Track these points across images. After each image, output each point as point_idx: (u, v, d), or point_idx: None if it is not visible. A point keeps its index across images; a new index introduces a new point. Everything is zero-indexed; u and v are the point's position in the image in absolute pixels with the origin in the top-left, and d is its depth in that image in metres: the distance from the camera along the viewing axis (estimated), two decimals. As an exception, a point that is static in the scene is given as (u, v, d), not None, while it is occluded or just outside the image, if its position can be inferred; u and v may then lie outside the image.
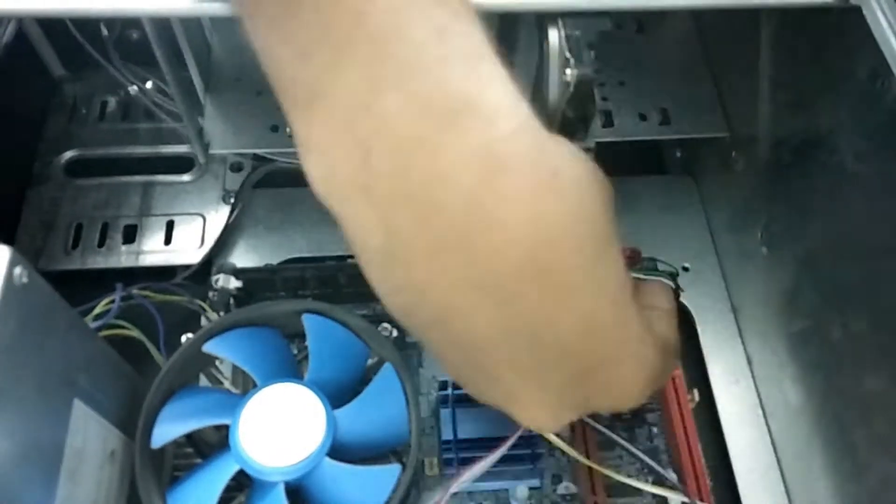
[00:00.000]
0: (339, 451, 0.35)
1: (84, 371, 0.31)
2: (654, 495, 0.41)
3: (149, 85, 0.53)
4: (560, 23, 0.32)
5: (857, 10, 0.33)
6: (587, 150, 0.38)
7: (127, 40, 0.52)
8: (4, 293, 0.24)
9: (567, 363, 0.23)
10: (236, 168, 0.52)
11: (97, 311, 0.38)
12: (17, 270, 0.25)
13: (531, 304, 0.21)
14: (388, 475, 0.34)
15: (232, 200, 0.51)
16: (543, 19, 0.33)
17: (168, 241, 0.50)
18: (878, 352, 0.35)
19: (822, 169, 0.38)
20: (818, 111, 0.38)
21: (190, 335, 0.37)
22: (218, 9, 0.30)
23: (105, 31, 0.51)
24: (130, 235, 0.50)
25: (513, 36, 0.39)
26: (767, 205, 0.45)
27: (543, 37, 0.33)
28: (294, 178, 0.51)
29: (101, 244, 0.49)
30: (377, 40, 0.19)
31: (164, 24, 0.42)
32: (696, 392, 0.45)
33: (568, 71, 0.31)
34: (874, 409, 0.35)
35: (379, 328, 0.39)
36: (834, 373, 0.38)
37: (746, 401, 0.46)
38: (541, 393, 0.24)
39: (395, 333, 0.40)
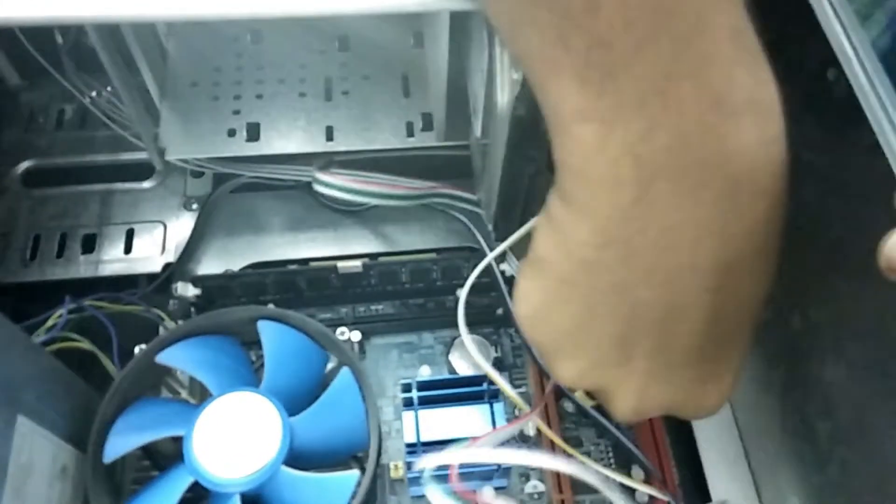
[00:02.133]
0: (297, 458, 0.34)
1: (28, 387, 0.30)
2: (623, 487, 0.41)
3: (106, 92, 0.53)
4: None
5: (806, 2, 0.33)
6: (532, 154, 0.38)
7: (83, 47, 0.52)
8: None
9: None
10: (197, 174, 0.52)
11: (49, 323, 0.37)
12: (-54, 288, 0.25)
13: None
14: (346, 482, 0.34)
15: (194, 206, 0.51)
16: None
17: (128, 249, 0.49)
18: (835, 343, 0.35)
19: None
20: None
21: (143, 346, 0.37)
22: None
23: (59, 39, 0.51)
24: (90, 245, 0.49)
25: (465, 36, 0.38)
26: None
27: (492, 35, 0.32)
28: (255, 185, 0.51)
29: (59, 255, 0.49)
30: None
31: (112, 30, 0.41)
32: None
33: (516, 69, 0.31)
34: (835, 399, 0.35)
35: (337, 332, 0.38)
36: (795, 364, 0.38)
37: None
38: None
39: (355, 338, 0.40)
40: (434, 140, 0.47)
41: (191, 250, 0.49)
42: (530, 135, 0.34)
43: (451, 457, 0.34)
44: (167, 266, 0.48)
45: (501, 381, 0.38)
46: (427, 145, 0.46)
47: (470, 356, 0.46)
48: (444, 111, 0.44)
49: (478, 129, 0.41)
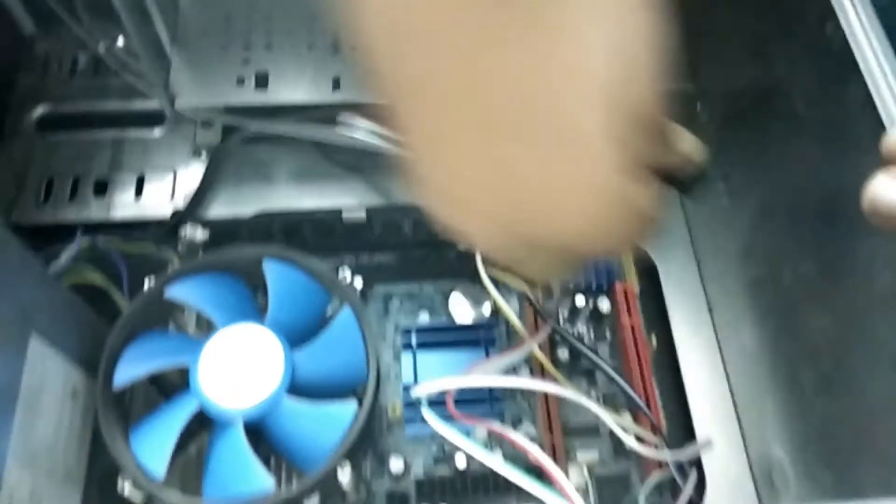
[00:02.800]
0: (297, 390, 0.36)
1: (41, 310, 0.31)
2: (612, 435, 0.42)
3: (120, 41, 0.54)
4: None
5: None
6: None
7: (96, -5, 0.52)
8: (-49, 226, 0.25)
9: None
10: (207, 123, 0.53)
11: (63, 259, 0.39)
12: (-35, 205, 0.26)
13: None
14: (344, 412, 0.35)
15: (203, 155, 0.52)
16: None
17: (139, 194, 0.50)
18: (823, 294, 0.35)
19: (776, 117, 0.39)
20: (773, 58, 0.39)
21: (153, 279, 0.38)
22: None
23: (74, -13, 0.51)
24: (101, 189, 0.50)
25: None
26: (729, 156, 0.45)
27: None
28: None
29: (72, 198, 0.50)
30: None
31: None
32: (654, 337, 0.46)
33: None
34: (820, 349, 0.36)
35: (339, 274, 0.39)
36: (785, 317, 0.39)
37: (705, 347, 0.46)
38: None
39: (357, 284, 0.41)
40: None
41: (200, 196, 0.50)
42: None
43: (448, 383, 0.35)
44: (176, 212, 0.49)
45: (506, 308, 0.39)
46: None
47: (467, 306, 0.47)
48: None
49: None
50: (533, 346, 0.41)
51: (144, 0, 0.44)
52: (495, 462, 0.35)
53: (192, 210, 0.49)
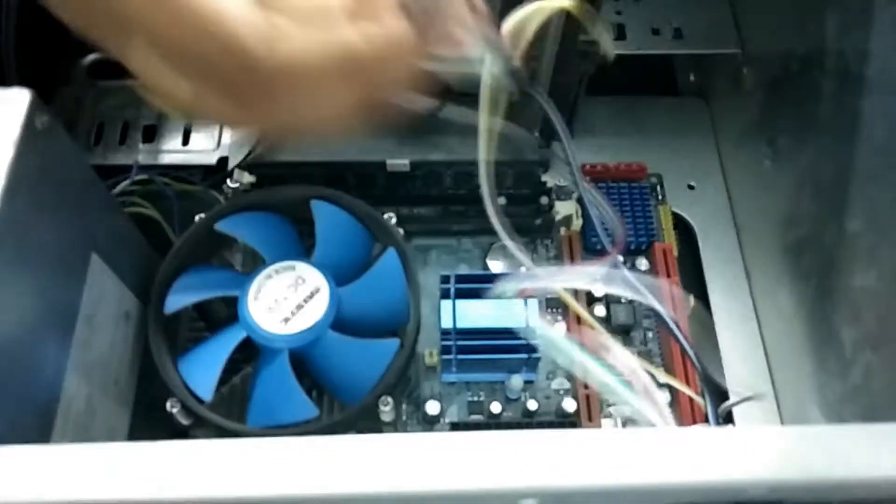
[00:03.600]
0: (341, 326, 0.36)
1: (102, 230, 0.32)
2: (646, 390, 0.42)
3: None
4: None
5: None
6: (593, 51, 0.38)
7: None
8: (25, 132, 0.26)
9: None
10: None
11: (116, 191, 0.40)
12: (39, 116, 0.27)
13: None
14: (386, 348, 0.36)
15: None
16: None
17: (186, 142, 0.51)
18: (868, 250, 0.35)
19: (828, 75, 0.39)
20: (825, 17, 0.38)
21: (203, 215, 0.39)
22: None
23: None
24: (150, 135, 0.51)
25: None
26: (774, 119, 0.45)
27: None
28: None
29: (121, 142, 0.51)
30: None
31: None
32: (692, 298, 0.46)
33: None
34: (862, 306, 0.36)
35: (384, 216, 0.40)
36: (826, 277, 0.39)
37: (742, 313, 0.47)
38: None
39: (401, 230, 0.42)
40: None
41: (241, 145, 0.51)
42: (585, 28, 0.35)
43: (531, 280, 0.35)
44: (222, 160, 0.50)
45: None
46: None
47: (507, 260, 0.47)
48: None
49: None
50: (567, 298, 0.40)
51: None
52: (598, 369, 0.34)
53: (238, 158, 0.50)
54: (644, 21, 0.49)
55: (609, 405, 0.43)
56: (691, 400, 0.42)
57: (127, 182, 0.39)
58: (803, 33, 0.41)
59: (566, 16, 0.35)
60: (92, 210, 0.31)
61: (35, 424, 0.27)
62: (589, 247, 0.47)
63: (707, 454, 0.21)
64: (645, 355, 0.45)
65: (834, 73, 0.38)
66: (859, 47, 0.36)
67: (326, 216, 0.39)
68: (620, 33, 0.48)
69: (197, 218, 0.39)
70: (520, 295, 0.34)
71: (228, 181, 0.45)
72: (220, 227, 0.38)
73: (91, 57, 0.55)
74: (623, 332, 0.45)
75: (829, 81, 0.39)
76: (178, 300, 0.36)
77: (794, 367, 0.42)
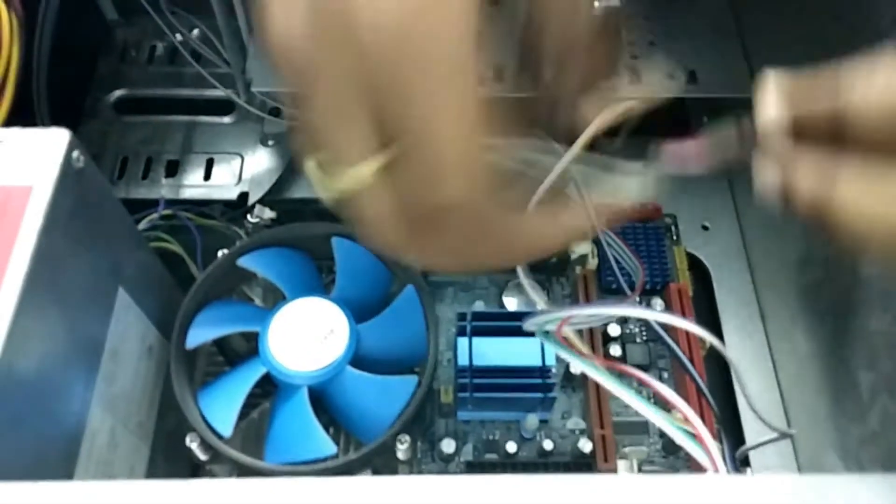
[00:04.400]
0: (359, 362, 0.37)
1: (129, 265, 0.33)
2: (661, 434, 0.42)
3: (195, 32, 0.56)
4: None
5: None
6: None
7: (176, -11, 0.55)
8: (63, 171, 0.27)
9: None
10: (275, 112, 0.55)
11: (142, 226, 0.40)
12: (76, 154, 0.28)
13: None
14: (404, 386, 0.36)
15: (270, 143, 0.54)
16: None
17: (207, 177, 0.52)
18: (883, 295, 0.36)
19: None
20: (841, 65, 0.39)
21: (226, 250, 0.40)
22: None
23: (156, -21, 0.54)
24: (172, 170, 0.53)
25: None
26: (789, 163, 0.45)
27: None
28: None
29: (144, 176, 0.52)
30: None
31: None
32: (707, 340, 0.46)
33: (595, 3, 0.33)
34: (879, 350, 0.36)
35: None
36: (842, 319, 0.39)
37: (757, 353, 0.47)
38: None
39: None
40: (504, 91, 0.49)
41: (262, 181, 0.52)
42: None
43: (570, 311, 0.35)
44: (242, 195, 0.51)
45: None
46: (497, 95, 0.48)
47: (522, 298, 0.48)
48: (516, 62, 0.46)
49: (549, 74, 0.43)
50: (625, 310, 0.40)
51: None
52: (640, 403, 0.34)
53: (258, 193, 0.51)
54: (659, 65, 0.50)
55: (624, 446, 0.43)
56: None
57: (155, 216, 0.40)
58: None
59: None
60: (120, 245, 0.32)
61: (60, 459, 0.28)
62: (604, 286, 0.48)
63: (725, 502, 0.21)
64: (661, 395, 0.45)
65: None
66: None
67: (347, 253, 0.39)
68: (636, 77, 0.49)
69: (220, 253, 0.40)
70: (558, 330, 0.33)
71: (249, 216, 0.46)
72: (243, 262, 0.39)
73: (117, 93, 0.56)
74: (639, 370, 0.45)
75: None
76: (199, 335, 0.36)
77: (810, 410, 0.42)
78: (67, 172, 0.27)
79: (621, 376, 0.36)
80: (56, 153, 0.27)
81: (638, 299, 0.47)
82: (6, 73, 0.28)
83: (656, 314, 0.35)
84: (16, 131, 0.27)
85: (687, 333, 0.45)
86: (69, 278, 0.28)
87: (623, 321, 0.48)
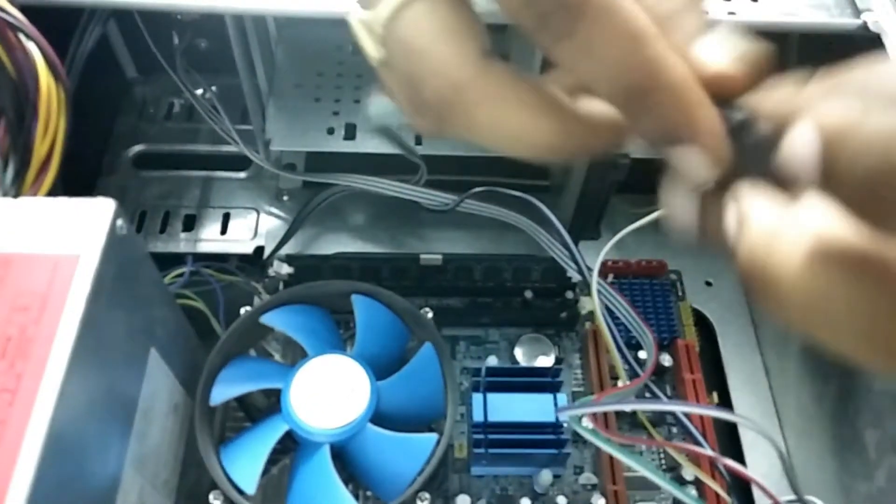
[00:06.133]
0: (380, 420, 0.37)
1: (160, 325, 0.34)
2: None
3: (213, 89, 0.58)
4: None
5: (878, 38, 0.36)
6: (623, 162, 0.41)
7: (195, 49, 0.57)
8: (109, 239, 0.28)
9: None
10: (290, 168, 0.56)
11: (165, 281, 0.41)
12: (120, 222, 0.29)
13: None
14: (424, 444, 0.37)
15: (285, 198, 0.55)
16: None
17: (224, 231, 0.54)
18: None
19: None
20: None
21: (248, 308, 0.40)
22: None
23: (176, 40, 0.56)
24: (189, 224, 0.54)
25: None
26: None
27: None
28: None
29: (162, 230, 0.53)
30: None
31: (242, 33, 0.46)
32: (715, 395, 0.47)
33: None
34: (884, 410, 0.37)
35: (421, 311, 0.42)
36: (847, 379, 0.41)
37: (762, 409, 0.48)
38: None
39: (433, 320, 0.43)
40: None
41: (278, 236, 0.53)
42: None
43: (602, 406, 0.36)
44: (258, 249, 0.53)
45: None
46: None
47: (532, 353, 0.49)
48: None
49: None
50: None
51: (252, 55, 0.48)
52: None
53: (274, 248, 0.52)
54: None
55: (636, 501, 0.44)
56: (717, 495, 0.42)
57: (184, 278, 0.41)
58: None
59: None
60: (154, 306, 0.33)
61: (94, 519, 0.28)
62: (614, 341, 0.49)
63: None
64: (669, 454, 0.46)
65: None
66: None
67: (367, 310, 0.41)
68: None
69: (242, 310, 0.41)
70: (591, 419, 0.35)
71: (269, 271, 0.47)
72: (266, 320, 0.40)
73: (136, 148, 0.58)
74: (649, 434, 0.46)
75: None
76: (223, 392, 0.37)
77: (817, 466, 0.43)
78: (112, 241, 0.28)
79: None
80: (102, 222, 0.28)
81: (645, 354, 0.49)
82: (53, 145, 0.30)
83: (685, 406, 0.36)
84: (63, 200, 0.29)
85: (694, 384, 0.46)
86: (109, 342, 0.29)
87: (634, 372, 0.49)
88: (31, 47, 0.29)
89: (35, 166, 0.29)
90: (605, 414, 0.43)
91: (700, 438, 0.40)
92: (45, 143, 0.29)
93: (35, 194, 0.30)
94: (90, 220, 0.28)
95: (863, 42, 0.36)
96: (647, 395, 0.44)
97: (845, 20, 0.36)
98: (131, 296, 0.30)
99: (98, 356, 0.27)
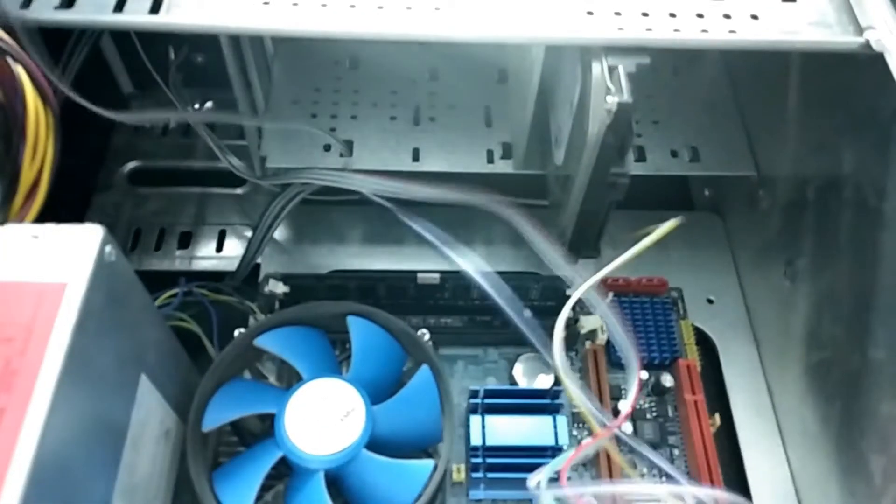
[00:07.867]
0: (375, 445, 0.37)
1: (151, 350, 0.33)
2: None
3: (209, 104, 0.58)
4: (603, 55, 0.35)
5: (880, 57, 0.35)
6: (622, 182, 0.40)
7: (191, 65, 0.56)
8: (97, 267, 0.27)
9: None
10: (286, 185, 0.55)
11: (158, 302, 0.41)
12: (108, 248, 0.28)
13: None
14: (421, 470, 0.36)
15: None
16: (587, 52, 0.36)
17: (220, 248, 0.53)
18: (894, 380, 0.36)
19: (845, 206, 0.40)
20: (842, 151, 0.41)
21: (242, 330, 0.40)
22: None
23: (172, 56, 0.55)
24: (185, 241, 0.53)
25: (557, 67, 0.42)
26: (791, 241, 0.47)
27: (587, 68, 0.36)
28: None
29: (157, 248, 0.53)
30: None
31: (239, 52, 0.45)
32: (717, 416, 0.46)
33: (609, 99, 0.34)
34: (890, 435, 0.36)
35: (418, 333, 0.41)
36: (852, 401, 0.40)
37: (766, 430, 0.47)
38: None
39: (431, 342, 0.42)
40: (512, 168, 0.50)
41: (273, 252, 0.52)
42: (616, 162, 0.37)
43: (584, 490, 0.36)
44: (254, 266, 0.52)
45: (577, 393, 0.40)
46: (505, 172, 0.50)
47: (532, 372, 0.48)
48: (526, 141, 0.48)
49: (559, 159, 0.44)
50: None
51: (248, 71, 0.47)
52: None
53: (271, 266, 0.51)
54: (663, 143, 0.51)
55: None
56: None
57: (177, 300, 0.40)
58: (819, 163, 0.43)
59: (598, 151, 0.38)
60: (144, 331, 0.33)
61: (81, 552, 0.27)
62: (614, 360, 0.48)
63: None
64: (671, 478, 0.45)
65: (851, 205, 0.40)
66: (876, 183, 0.38)
67: (362, 333, 0.40)
68: (641, 155, 0.50)
69: (236, 332, 0.40)
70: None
71: (264, 290, 0.46)
72: (260, 342, 0.39)
73: (132, 164, 0.57)
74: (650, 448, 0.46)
75: (846, 212, 0.40)
76: (216, 417, 0.37)
77: (821, 491, 0.42)
78: (100, 268, 0.27)
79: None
80: (90, 249, 0.27)
81: (645, 374, 0.48)
82: (41, 169, 0.29)
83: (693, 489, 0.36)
84: (50, 227, 0.28)
85: (696, 405, 0.46)
86: (97, 371, 0.28)
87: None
88: (19, 70, 0.28)
89: (23, 191, 0.29)
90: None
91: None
92: (34, 167, 0.29)
93: (23, 220, 0.30)
94: (78, 246, 0.27)
95: (865, 61, 0.36)
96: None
97: (847, 38, 0.35)
98: (120, 322, 0.30)
99: (85, 386, 0.27)
